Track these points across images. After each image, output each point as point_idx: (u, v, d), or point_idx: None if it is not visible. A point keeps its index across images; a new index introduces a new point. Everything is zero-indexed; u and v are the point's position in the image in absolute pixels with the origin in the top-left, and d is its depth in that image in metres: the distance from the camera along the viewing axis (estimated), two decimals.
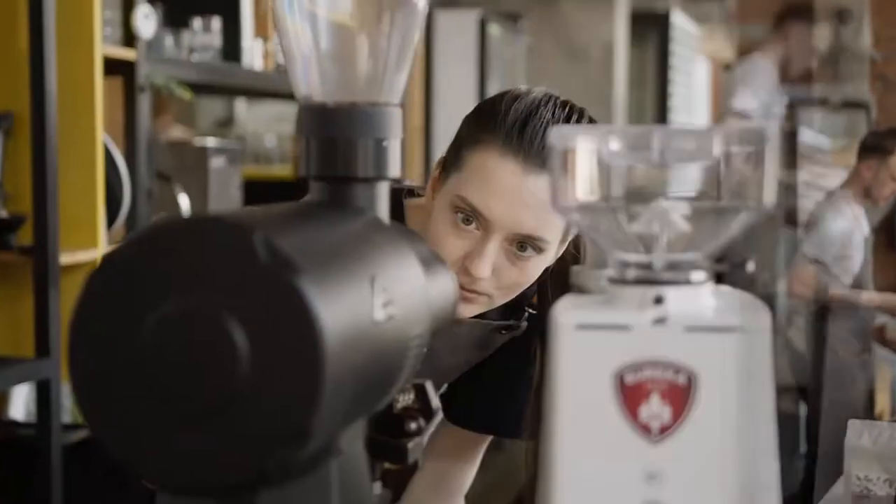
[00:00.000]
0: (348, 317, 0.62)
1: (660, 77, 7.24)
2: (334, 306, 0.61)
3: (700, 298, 0.67)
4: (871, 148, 4.19)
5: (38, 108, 2.34)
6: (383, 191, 0.78)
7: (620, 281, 0.68)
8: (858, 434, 1.92)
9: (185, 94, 2.68)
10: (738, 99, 4.19)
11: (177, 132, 3.87)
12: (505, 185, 1.22)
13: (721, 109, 4.46)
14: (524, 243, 1.24)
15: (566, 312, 0.66)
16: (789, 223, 4.64)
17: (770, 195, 0.66)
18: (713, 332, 0.65)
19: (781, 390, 4.70)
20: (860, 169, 4.25)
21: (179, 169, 3.02)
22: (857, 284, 4.32)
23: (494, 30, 5.06)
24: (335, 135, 0.77)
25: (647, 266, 0.68)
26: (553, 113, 1.25)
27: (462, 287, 1.24)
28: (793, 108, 4.43)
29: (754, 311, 0.66)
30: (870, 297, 4.30)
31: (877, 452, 1.89)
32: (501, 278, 1.26)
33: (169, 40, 2.88)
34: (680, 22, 7.30)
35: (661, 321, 0.65)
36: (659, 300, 0.66)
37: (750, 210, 0.67)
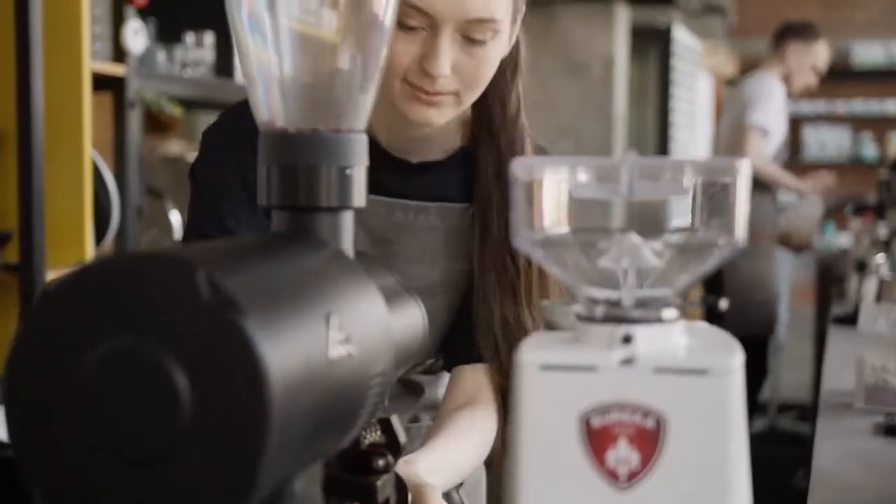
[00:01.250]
0: (299, 357, 0.59)
1: (661, 92, 7.21)
2: (283, 346, 0.58)
3: (671, 337, 0.64)
4: (797, 34, 4.37)
5: (24, 124, 2.32)
6: (348, 220, 0.75)
7: (588, 318, 0.65)
8: (873, 319, 1.76)
9: (176, 111, 2.65)
10: (757, 114, 4.24)
11: (175, 147, 3.85)
12: None
13: (729, 124, 4.48)
14: (476, 29, 1.19)
15: (530, 352, 0.63)
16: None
17: (743, 229, 0.63)
18: (683, 374, 0.62)
19: None
20: (785, 53, 4.41)
21: (173, 185, 2.99)
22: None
23: None
24: (297, 163, 0.74)
25: (616, 303, 0.65)
26: None
27: (425, 91, 1.20)
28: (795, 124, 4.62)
29: (727, 352, 0.63)
30: (788, 178, 4.43)
31: (895, 338, 1.73)
32: (462, 72, 1.21)
33: (161, 55, 2.85)
34: (681, 37, 7.28)
35: (628, 362, 0.62)
36: (627, 339, 0.63)
37: (723, 245, 0.64)
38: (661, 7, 6.35)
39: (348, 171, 0.74)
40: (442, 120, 1.24)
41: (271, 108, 0.75)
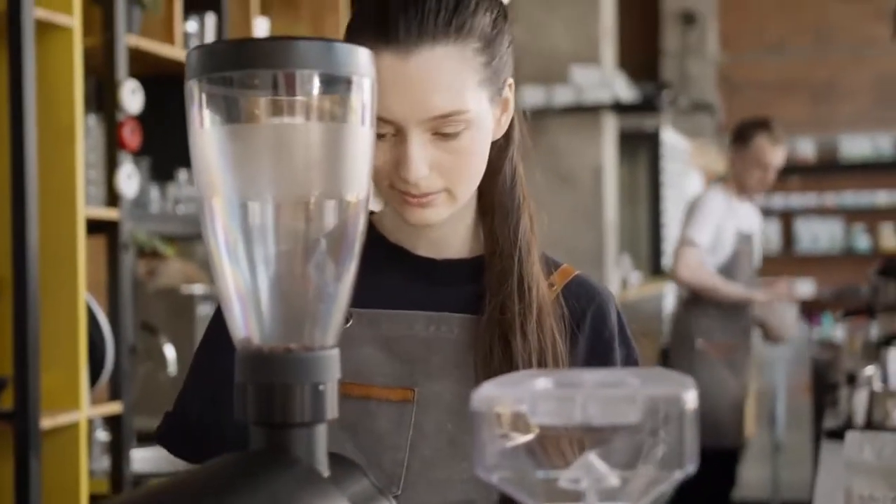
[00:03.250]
0: None
1: (652, 193, 7.29)
2: None
3: None
4: (736, 137, 4.42)
5: (20, 270, 2.36)
6: (321, 433, 0.78)
7: None
8: (859, 448, 1.73)
9: (168, 251, 2.70)
10: (687, 229, 4.31)
11: (176, 265, 3.88)
12: (390, 80, 1.12)
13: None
14: (444, 125, 1.14)
15: None
16: None
17: (694, 457, 0.66)
18: None
19: None
20: (732, 162, 4.48)
21: (167, 317, 3.03)
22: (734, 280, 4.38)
23: None
24: (272, 381, 0.77)
25: None
26: None
27: (411, 195, 1.16)
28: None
29: None
30: (732, 289, 4.34)
31: (881, 467, 1.70)
32: (444, 169, 1.15)
33: (155, 193, 2.92)
34: (670, 138, 7.39)
35: None
36: None
37: (673, 471, 0.67)
38: (648, 113, 6.46)
39: (321, 388, 0.78)
40: (440, 218, 1.19)
41: (247, 328, 0.79)
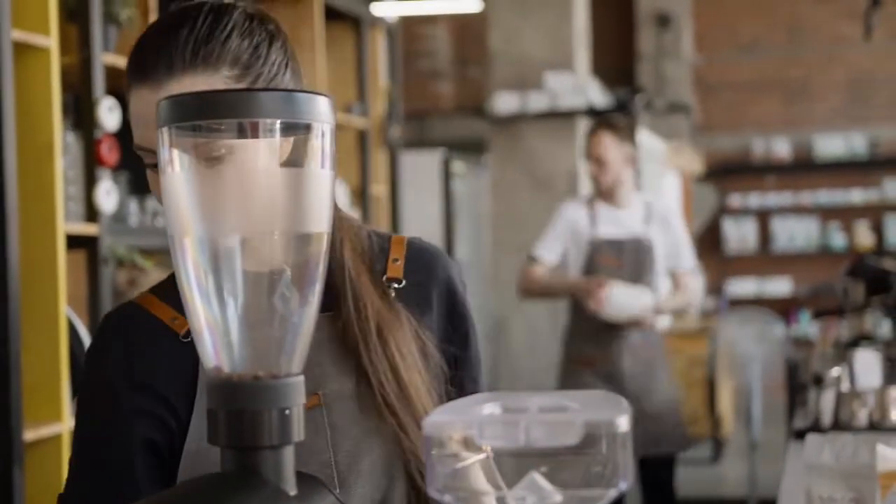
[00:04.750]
0: None
1: None
2: None
3: None
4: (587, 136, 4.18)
5: (1, 287, 2.40)
6: (288, 455, 0.84)
7: None
8: (819, 449, 1.79)
9: (147, 265, 2.75)
10: (533, 246, 4.21)
11: (156, 276, 3.93)
12: (146, 112, 1.17)
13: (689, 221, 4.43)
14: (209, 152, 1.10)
15: None
16: None
17: (628, 475, 0.72)
18: None
19: None
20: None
21: None
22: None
23: (458, 167, 5.19)
24: (242, 407, 0.83)
25: None
26: (177, 16, 1.20)
27: None
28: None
29: None
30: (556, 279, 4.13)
31: (841, 469, 1.76)
32: None
33: (133, 207, 2.96)
34: (646, 141, 7.46)
35: None
36: None
37: (610, 488, 0.73)
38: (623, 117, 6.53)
39: (287, 412, 0.83)
40: None
41: (218, 357, 0.85)
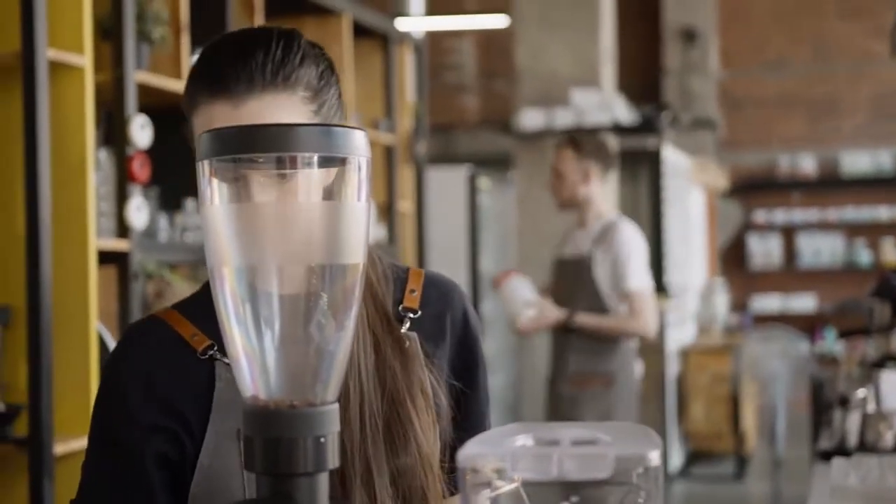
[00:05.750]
0: None
1: (654, 210, 7.34)
2: None
3: None
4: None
5: (34, 301, 2.44)
6: (323, 482, 0.85)
7: None
8: (844, 473, 1.78)
9: (176, 280, 2.78)
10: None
11: (183, 288, 3.96)
12: (226, 125, 1.16)
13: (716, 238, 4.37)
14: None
15: None
16: None
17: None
18: None
19: None
20: None
21: None
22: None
23: (484, 183, 5.20)
24: (278, 435, 0.85)
25: None
26: (247, 37, 1.22)
27: None
28: None
29: None
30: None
31: (866, 492, 1.75)
32: None
33: (163, 222, 2.99)
34: (671, 156, 7.45)
35: None
36: None
37: None
38: (648, 134, 6.54)
39: (322, 440, 0.85)
40: None
41: (255, 385, 0.86)
